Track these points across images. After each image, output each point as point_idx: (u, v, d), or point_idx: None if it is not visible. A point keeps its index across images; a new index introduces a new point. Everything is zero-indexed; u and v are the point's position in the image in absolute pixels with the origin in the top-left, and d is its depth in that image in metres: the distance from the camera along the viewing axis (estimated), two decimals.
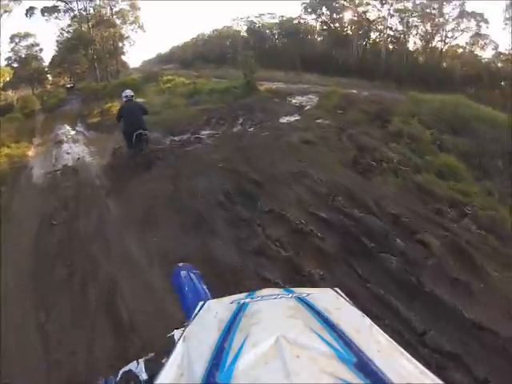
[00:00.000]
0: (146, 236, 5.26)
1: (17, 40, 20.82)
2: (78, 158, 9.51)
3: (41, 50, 22.06)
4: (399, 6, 22.90)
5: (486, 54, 22.37)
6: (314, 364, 0.52)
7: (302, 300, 0.75)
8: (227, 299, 0.84)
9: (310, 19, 26.47)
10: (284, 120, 10.55)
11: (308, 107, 12.17)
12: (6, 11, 16.58)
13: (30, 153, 11.23)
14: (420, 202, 5.89)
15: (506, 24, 20.08)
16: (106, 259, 4.91)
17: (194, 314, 0.83)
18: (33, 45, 21.56)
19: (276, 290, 0.87)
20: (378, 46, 25.05)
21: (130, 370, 1.06)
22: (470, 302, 3.78)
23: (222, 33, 30.11)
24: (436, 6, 22.14)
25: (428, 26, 23.16)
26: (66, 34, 21.56)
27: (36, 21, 24.48)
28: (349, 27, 25.87)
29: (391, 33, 24.75)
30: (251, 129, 9.84)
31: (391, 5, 23.02)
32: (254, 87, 14.31)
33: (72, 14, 20.77)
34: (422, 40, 24.02)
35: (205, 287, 1.51)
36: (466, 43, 22.88)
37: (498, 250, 4.79)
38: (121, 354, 3.25)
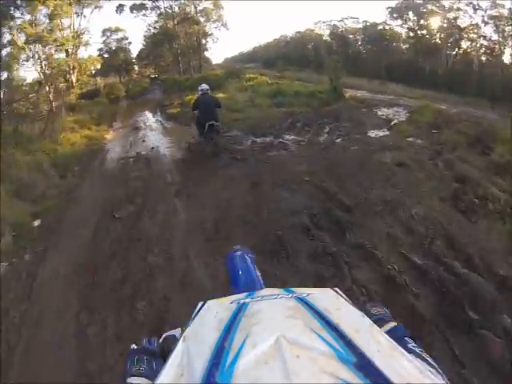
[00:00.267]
0: (213, 252, 4.20)
1: (108, 34, 21.46)
2: (153, 148, 8.82)
3: (129, 43, 22.58)
4: (494, 12, 19.68)
5: None
6: (314, 364, 0.49)
7: (301, 300, 0.71)
8: (227, 299, 0.80)
9: (396, 25, 23.56)
10: (372, 134, 9.11)
11: (395, 121, 10.58)
12: (96, 7, 17.13)
13: (108, 136, 10.90)
14: None
15: None
16: (162, 274, 4.06)
17: (193, 314, 0.80)
18: (122, 38, 22.14)
19: (276, 290, 0.84)
20: (470, 57, 21.79)
21: (174, 336, 1.00)
22: None
23: (305, 35, 28.76)
24: None
25: None
26: (152, 30, 22.05)
27: (125, 17, 25.23)
28: (437, 35, 23.04)
29: (485, 42, 21.12)
30: (338, 140, 8.49)
31: (485, 11, 19.85)
32: (340, 94, 12.94)
33: (158, 12, 21.14)
34: None
35: (258, 273, 1.46)
36: None
37: None
38: None
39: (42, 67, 14.98)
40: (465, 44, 21.89)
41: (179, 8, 21.18)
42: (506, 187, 5.91)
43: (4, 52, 14.46)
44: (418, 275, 3.75)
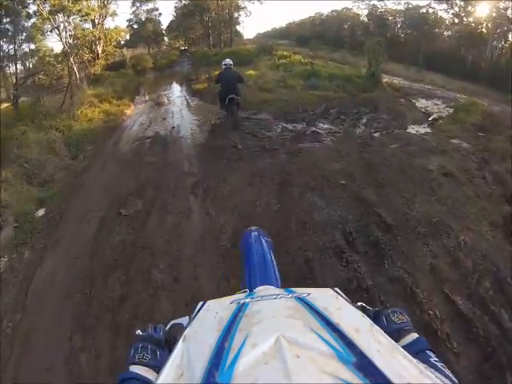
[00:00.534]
0: (228, 273, 3.39)
1: (138, 4, 20.89)
2: (173, 128, 7.87)
3: (159, 14, 22.11)
4: None
5: None
6: (314, 364, 0.49)
7: (301, 300, 0.71)
8: (227, 299, 0.80)
9: (440, 9, 21.44)
10: (413, 130, 7.78)
11: (435, 115, 9.17)
12: None
13: (129, 111, 10.04)
14: None
15: None
16: (167, 297, 3.33)
17: (193, 314, 0.79)
18: (152, 9, 21.59)
19: (276, 290, 0.87)
20: None
21: (181, 324, 0.93)
22: None
23: (341, 14, 26.88)
24: None
25: None
26: (183, 1, 21.44)
27: None
28: (484, 24, 20.69)
29: None
30: (377, 134, 7.26)
31: None
32: (378, 80, 11.50)
33: None
34: None
35: (273, 256, 1.41)
36: None
37: None
38: None
39: (66, 38, 14.13)
40: None
41: None
42: None
43: (29, 23, 13.72)
44: (462, 325, 3.01)
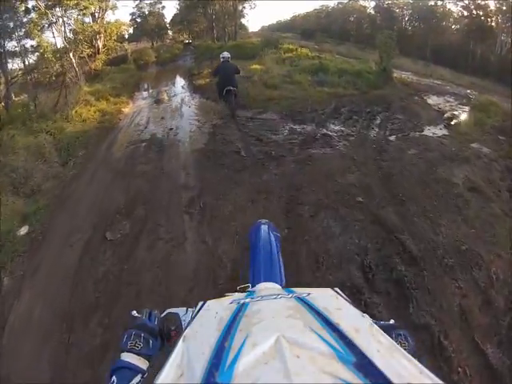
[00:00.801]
0: None
1: None
2: (171, 129, 7.07)
3: (163, 7, 21.37)
4: None
5: None
6: (314, 364, 0.48)
7: (301, 300, 0.70)
8: (227, 299, 0.79)
9: (449, 2, 20.00)
10: (429, 132, 6.90)
11: (448, 114, 8.20)
12: None
13: (126, 109, 9.23)
14: None
15: None
16: None
17: (193, 314, 0.78)
18: (156, 2, 20.82)
19: (276, 290, 0.85)
20: None
21: (177, 314, 0.96)
22: None
23: (347, 7, 25.57)
24: None
25: None
26: None
27: None
28: (494, 17, 19.44)
29: None
30: (392, 137, 6.42)
31: None
32: (389, 76, 10.55)
33: None
34: None
35: (280, 253, 1.37)
36: None
37: None
38: None
39: (65, 33, 13.29)
40: None
41: None
42: None
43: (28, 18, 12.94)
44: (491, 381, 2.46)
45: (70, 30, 13.88)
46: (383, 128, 6.80)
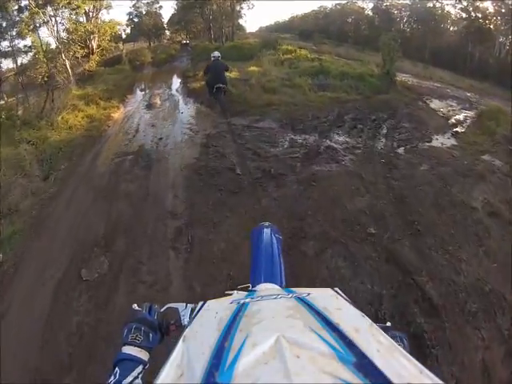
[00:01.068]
0: None
1: None
2: (161, 138, 6.32)
3: (160, 7, 20.64)
4: None
5: None
6: (314, 364, 0.46)
7: (301, 300, 0.68)
8: (227, 299, 0.77)
9: (447, 3, 19.28)
10: (437, 142, 6.22)
11: (453, 120, 7.59)
12: None
13: (116, 115, 8.42)
14: None
15: None
16: None
17: (194, 314, 0.77)
18: (153, 2, 20.15)
19: (276, 290, 0.83)
20: None
21: (176, 309, 0.96)
22: None
23: (346, 8, 24.73)
24: None
25: None
26: None
27: None
28: (493, 20, 18.67)
29: None
30: (401, 150, 5.72)
31: None
32: (393, 80, 9.80)
33: None
34: None
35: (281, 255, 1.33)
36: None
37: None
38: None
39: (58, 32, 12.46)
40: None
41: None
42: None
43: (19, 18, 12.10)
44: None
45: (64, 29, 13.16)
46: (390, 138, 6.09)
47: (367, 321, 0.61)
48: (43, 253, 3.70)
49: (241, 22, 21.44)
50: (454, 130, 6.91)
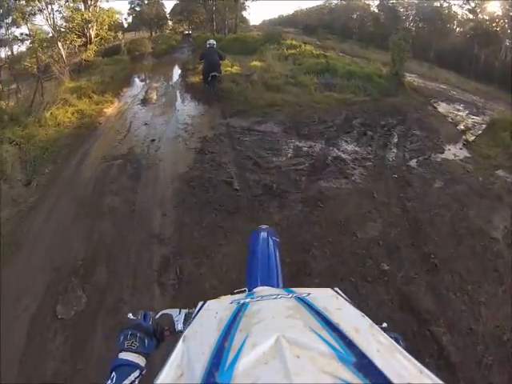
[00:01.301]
0: None
1: None
2: (153, 140, 5.66)
3: None
4: None
5: None
6: (314, 364, 0.45)
7: (301, 300, 0.66)
8: (227, 299, 0.75)
9: (455, 4, 18.22)
10: (450, 153, 5.60)
11: (462, 126, 7.02)
12: None
13: (109, 110, 7.77)
14: None
15: None
16: None
17: (193, 314, 0.75)
18: None
19: (276, 290, 0.81)
20: None
21: (170, 315, 0.91)
22: None
23: (351, 4, 23.86)
24: None
25: None
26: None
27: None
28: (500, 23, 17.79)
29: None
30: (413, 162, 5.11)
31: None
32: (401, 81, 9.10)
33: None
34: None
35: (278, 257, 1.28)
36: None
37: None
38: None
39: (54, 20, 11.68)
40: None
41: None
42: None
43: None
44: None
45: (61, 17, 12.36)
46: (402, 148, 5.47)
47: (367, 321, 0.58)
48: (18, 277, 3.13)
49: (244, 14, 20.70)
50: (465, 138, 6.30)
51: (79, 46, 13.01)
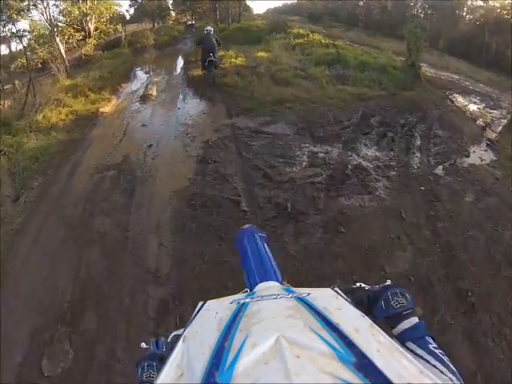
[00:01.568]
0: None
1: None
2: (150, 146, 4.99)
3: None
4: None
5: None
6: (314, 364, 0.43)
7: (301, 300, 0.62)
8: (227, 299, 0.71)
9: None
10: (475, 156, 4.82)
11: (481, 121, 6.14)
12: None
13: (106, 109, 7.09)
14: None
15: None
16: None
17: (193, 314, 0.70)
18: None
19: (276, 290, 0.79)
20: None
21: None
22: None
23: None
24: None
25: None
26: None
27: None
28: (510, 10, 16.46)
29: None
30: (440, 169, 4.37)
31: None
32: (417, 73, 8.10)
33: None
34: None
35: (268, 250, 1.24)
36: None
37: None
38: None
39: (49, 15, 10.91)
40: None
41: None
42: None
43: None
44: None
45: (58, 12, 11.60)
46: (425, 152, 4.73)
47: (367, 321, 0.56)
48: (3, 319, 2.62)
49: (248, 2, 20.03)
50: (488, 137, 5.50)
51: (78, 40, 12.30)
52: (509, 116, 6.56)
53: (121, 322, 2.45)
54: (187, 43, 14.21)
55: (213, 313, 0.64)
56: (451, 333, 2.39)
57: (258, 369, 0.43)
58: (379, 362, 0.44)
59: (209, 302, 0.72)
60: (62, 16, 11.66)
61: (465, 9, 17.99)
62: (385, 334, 0.54)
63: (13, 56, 11.21)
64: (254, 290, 0.93)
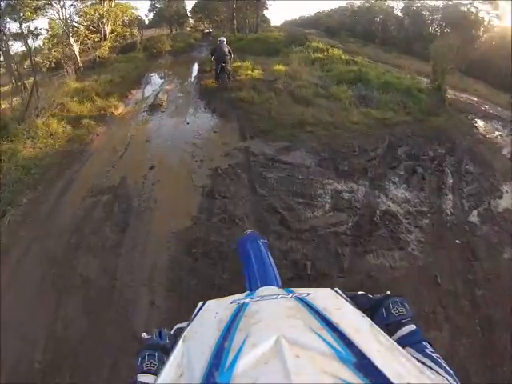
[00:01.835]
0: None
1: None
2: (152, 167, 4.36)
3: None
4: None
5: None
6: (314, 364, 0.43)
7: (301, 300, 0.63)
8: (227, 299, 0.71)
9: (482, 9, 16.14)
10: (508, 196, 4.20)
11: (507, 153, 5.52)
12: None
13: (111, 118, 6.44)
14: None
15: None
16: None
17: (193, 314, 0.71)
18: None
19: (276, 290, 0.76)
20: None
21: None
22: None
23: (374, 6, 22.00)
24: None
25: None
26: None
27: None
28: None
29: None
30: (474, 215, 3.73)
31: None
32: (443, 97, 7.40)
33: None
34: None
35: (270, 256, 1.25)
36: None
37: None
38: None
39: (64, 15, 10.49)
40: None
41: None
42: None
43: None
44: None
45: (74, 12, 11.17)
46: (458, 193, 4.08)
47: (367, 321, 0.56)
48: None
49: (266, 13, 19.29)
50: None
51: (94, 42, 11.85)
52: None
53: None
54: (203, 51, 13.73)
55: (213, 313, 0.63)
56: None
57: (257, 369, 0.42)
58: (379, 362, 0.42)
59: (209, 302, 0.72)
60: (78, 17, 11.25)
61: (482, 28, 17.36)
62: (385, 334, 0.52)
63: (23, 55, 10.79)
64: (255, 292, 0.84)
